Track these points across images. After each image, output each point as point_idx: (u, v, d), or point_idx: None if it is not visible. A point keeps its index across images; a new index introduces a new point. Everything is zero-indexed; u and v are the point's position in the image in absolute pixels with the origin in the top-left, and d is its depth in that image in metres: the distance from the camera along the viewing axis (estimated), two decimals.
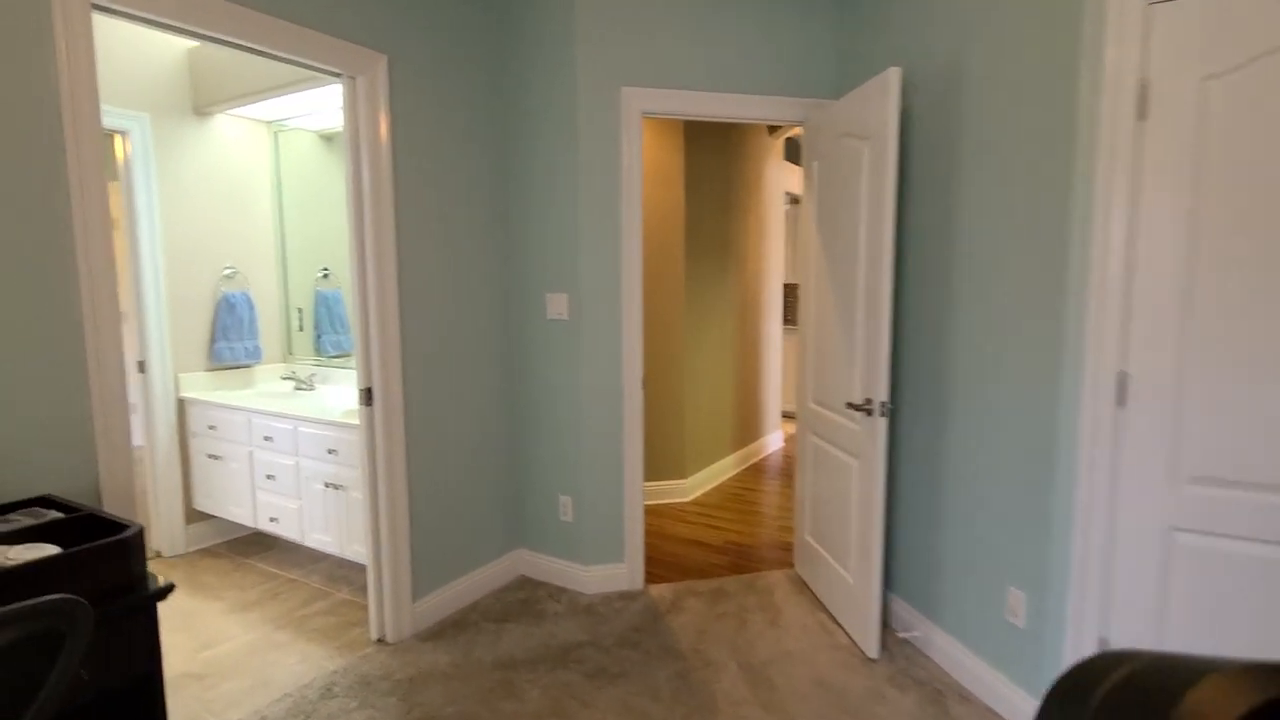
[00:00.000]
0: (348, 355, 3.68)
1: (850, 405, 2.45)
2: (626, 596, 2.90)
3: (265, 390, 3.57)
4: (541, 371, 2.94)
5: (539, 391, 2.96)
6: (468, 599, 2.84)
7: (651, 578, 3.09)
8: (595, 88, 2.73)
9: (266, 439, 3.05)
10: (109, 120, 3.07)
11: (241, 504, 3.23)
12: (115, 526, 1.38)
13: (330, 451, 2.82)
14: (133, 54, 3.14)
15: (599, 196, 2.77)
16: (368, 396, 2.44)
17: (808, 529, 2.97)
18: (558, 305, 2.87)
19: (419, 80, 2.54)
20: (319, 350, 3.73)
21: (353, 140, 2.37)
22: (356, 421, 2.72)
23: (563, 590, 2.96)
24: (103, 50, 3.03)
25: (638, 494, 2.94)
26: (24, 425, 1.57)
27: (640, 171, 2.80)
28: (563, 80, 2.75)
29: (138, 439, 3.03)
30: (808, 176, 2.89)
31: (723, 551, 3.43)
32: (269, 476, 3.08)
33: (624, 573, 2.96)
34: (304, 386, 3.57)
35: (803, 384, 3.02)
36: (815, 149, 2.81)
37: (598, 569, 2.94)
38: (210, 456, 3.32)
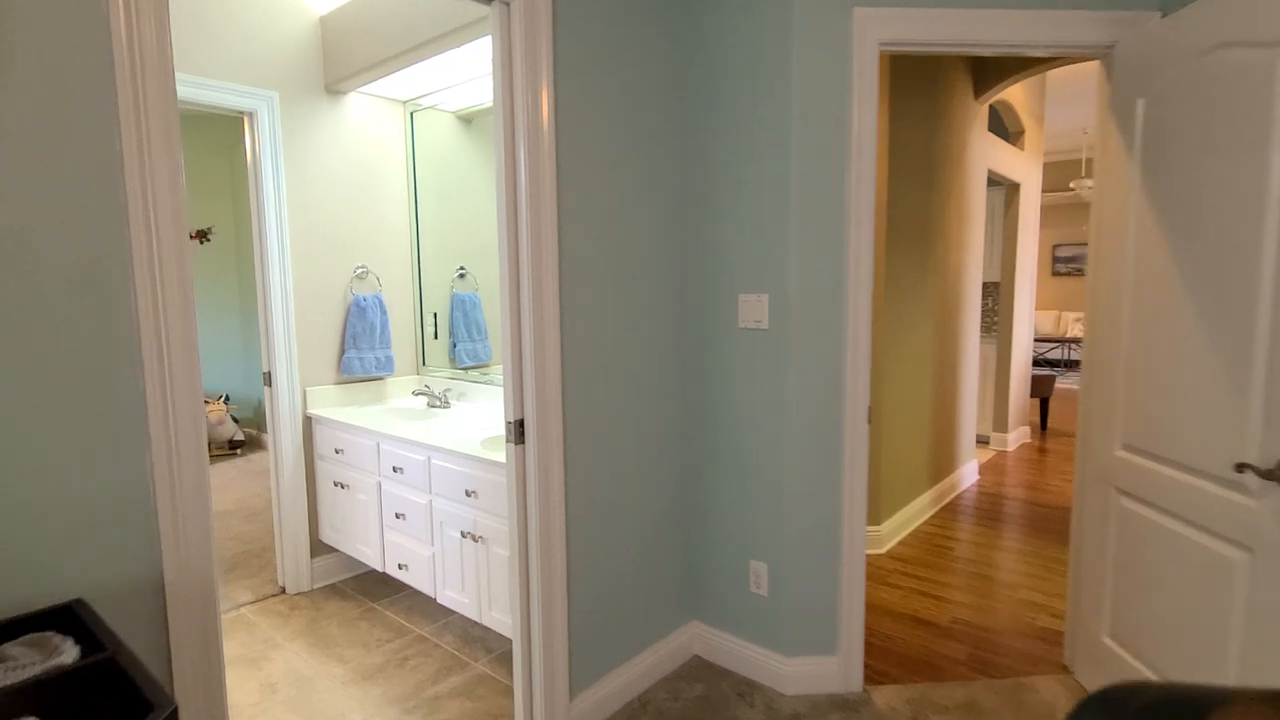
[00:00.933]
0: (485, 366, 3.18)
1: (1243, 467, 1.57)
2: (842, 705, 2.15)
3: (397, 407, 3.12)
4: (728, 396, 2.25)
5: (725, 422, 2.27)
6: (635, 690, 2.19)
7: (871, 674, 2.32)
8: (816, 8, 2.00)
9: (396, 470, 2.56)
10: (233, 100, 2.70)
11: (369, 543, 2.77)
12: (134, 694, 0.82)
13: (469, 494, 2.27)
14: (260, 23, 2.77)
15: (818, 166, 2.04)
16: (518, 431, 1.85)
17: (1107, 629, 2.08)
18: (754, 310, 2.17)
19: (586, 22, 1.92)
20: (454, 360, 3.26)
21: (504, 94, 1.78)
22: (500, 458, 2.15)
23: (753, 686, 2.25)
24: (227, 20, 2.67)
25: (859, 564, 2.18)
26: (53, 493, 1.07)
27: (875, 129, 2.04)
28: (770, 11, 2.04)
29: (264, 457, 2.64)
30: (1122, 127, 2.01)
31: (954, 636, 2.59)
32: (398, 515, 2.59)
33: (836, 670, 2.20)
34: (438, 403, 3.09)
35: (1092, 418, 2.14)
36: (1145, 83, 1.92)
37: (801, 662, 2.20)
38: (337, 485, 2.90)
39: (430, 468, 2.42)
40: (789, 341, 2.11)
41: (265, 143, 2.81)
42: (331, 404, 3.08)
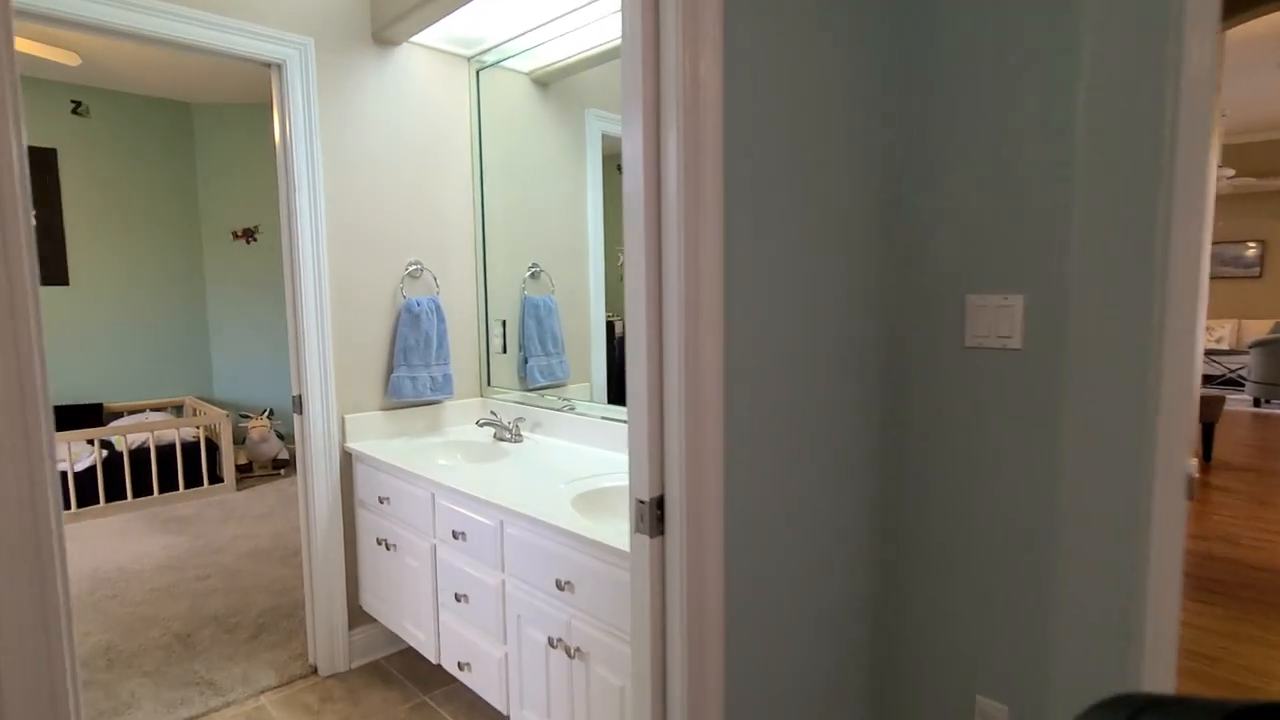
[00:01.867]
0: (561, 385, 2.50)
1: None
2: None
3: (457, 440, 2.47)
4: (943, 454, 1.50)
5: (938, 493, 1.52)
6: None
7: None
8: None
9: (457, 535, 1.90)
10: (254, 46, 2.10)
11: (420, 624, 2.11)
12: None
13: (561, 586, 1.57)
14: None
15: (1126, 83, 1.27)
16: (654, 517, 1.14)
17: None
18: (995, 319, 1.41)
19: None
20: (525, 379, 2.59)
21: (643, 41, 1.08)
22: (607, 537, 1.45)
23: None
24: None
25: None
26: None
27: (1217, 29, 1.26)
28: None
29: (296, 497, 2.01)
30: None
31: None
32: (459, 597, 1.92)
33: None
34: (508, 435, 2.43)
35: None
36: None
37: None
38: (381, 543, 2.26)
39: (503, 537, 1.74)
40: (1060, 368, 1.35)
41: (297, 104, 2.20)
42: (376, 435, 2.45)
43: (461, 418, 2.69)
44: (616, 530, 1.50)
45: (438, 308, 2.54)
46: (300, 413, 2.34)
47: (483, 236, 2.71)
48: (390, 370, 2.49)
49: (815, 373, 1.39)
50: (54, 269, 4.70)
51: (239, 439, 5.23)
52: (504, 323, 2.68)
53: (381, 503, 2.23)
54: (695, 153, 1.09)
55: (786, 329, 1.31)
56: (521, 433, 2.51)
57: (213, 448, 4.65)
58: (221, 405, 5.36)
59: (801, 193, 1.32)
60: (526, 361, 2.61)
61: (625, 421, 2.21)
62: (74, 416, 4.68)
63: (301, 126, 2.21)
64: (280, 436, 5.07)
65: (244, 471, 4.97)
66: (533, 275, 2.59)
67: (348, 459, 2.40)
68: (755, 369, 1.25)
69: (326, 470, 2.35)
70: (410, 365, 2.49)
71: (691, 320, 1.10)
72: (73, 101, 4.74)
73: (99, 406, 4.80)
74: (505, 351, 2.69)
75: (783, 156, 1.28)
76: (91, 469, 4.09)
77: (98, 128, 4.84)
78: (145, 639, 2.62)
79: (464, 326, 2.70)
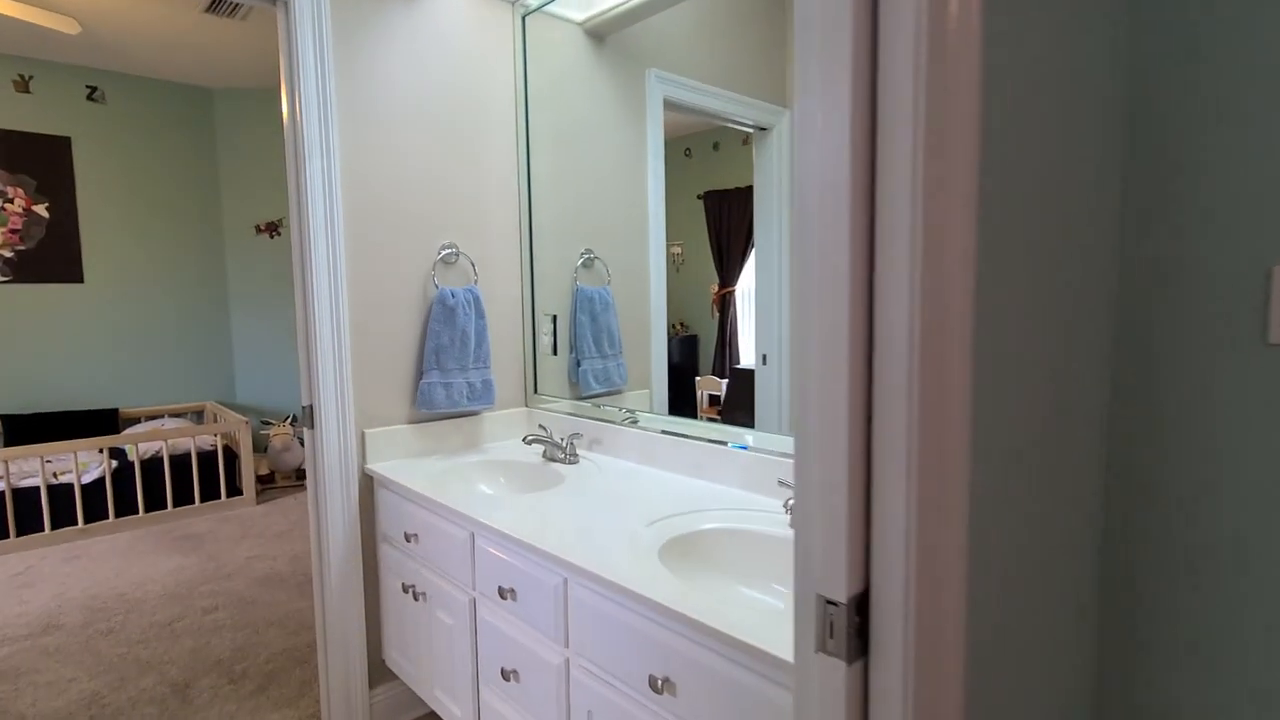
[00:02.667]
0: (619, 392, 2.06)
1: None
2: None
3: (501, 460, 2.05)
4: (1238, 498, 1.02)
5: (1233, 554, 1.04)
6: None
7: None
8: None
9: (505, 593, 1.46)
10: None
11: (456, 697, 1.68)
12: None
13: (657, 686, 1.12)
14: None
15: None
16: (852, 628, 0.69)
17: None
18: None
19: None
20: (577, 385, 2.16)
21: None
22: (737, 633, 1.00)
23: None
24: None
25: None
26: None
27: None
28: None
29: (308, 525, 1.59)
30: None
31: None
32: (507, 674, 1.48)
33: None
34: (561, 455, 1.99)
35: None
36: None
37: None
38: (407, 590, 1.84)
39: (568, 601, 1.30)
40: None
41: (306, 51, 1.79)
42: (403, 454, 2.03)
43: (504, 432, 2.26)
44: (732, 599, 1.04)
45: (476, 300, 2.12)
46: (312, 426, 1.93)
47: (529, 215, 2.29)
48: (419, 375, 2.07)
49: (1060, 391, 0.91)
50: (67, 265, 4.41)
51: (260, 447, 4.89)
52: (554, 318, 2.25)
53: (409, 540, 1.81)
54: (942, 120, 0.63)
55: (1038, 339, 0.84)
56: (577, 451, 2.08)
57: (231, 457, 4.31)
58: (244, 410, 5.03)
59: (1053, 163, 0.85)
60: (579, 364, 2.17)
61: (693, 438, 1.78)
62: (87, 423, 4.38)
63: (312, 79, 1.80)
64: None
65: (265, 482, 4.62)
66: (585, 263, 2.16)
67: (368, 483, 1.99)
68: (995, 396, 0.79)
69: (343, 497, 1.94)
70: (444, 369, 2.07)
71: (935, 332, 0.63)
72: (88, 87, 4.44)
73: (114, 412, 4.50)
74: (556, 353, 2.26)
75: (1042, 117, 0.81)
76: (100, 481, 3.76)
77: (114, 114, 4.54)
78: (137, 689, 2.24)
79: (507, 322, 2.28)
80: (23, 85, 4.24)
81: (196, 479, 4.04)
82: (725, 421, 1.77)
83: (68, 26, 2.96)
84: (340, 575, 1.94)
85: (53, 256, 4.35)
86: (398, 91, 1.97)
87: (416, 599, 1.78)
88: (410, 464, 1.97)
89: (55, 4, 3.33)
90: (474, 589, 1.57)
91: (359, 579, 1.97)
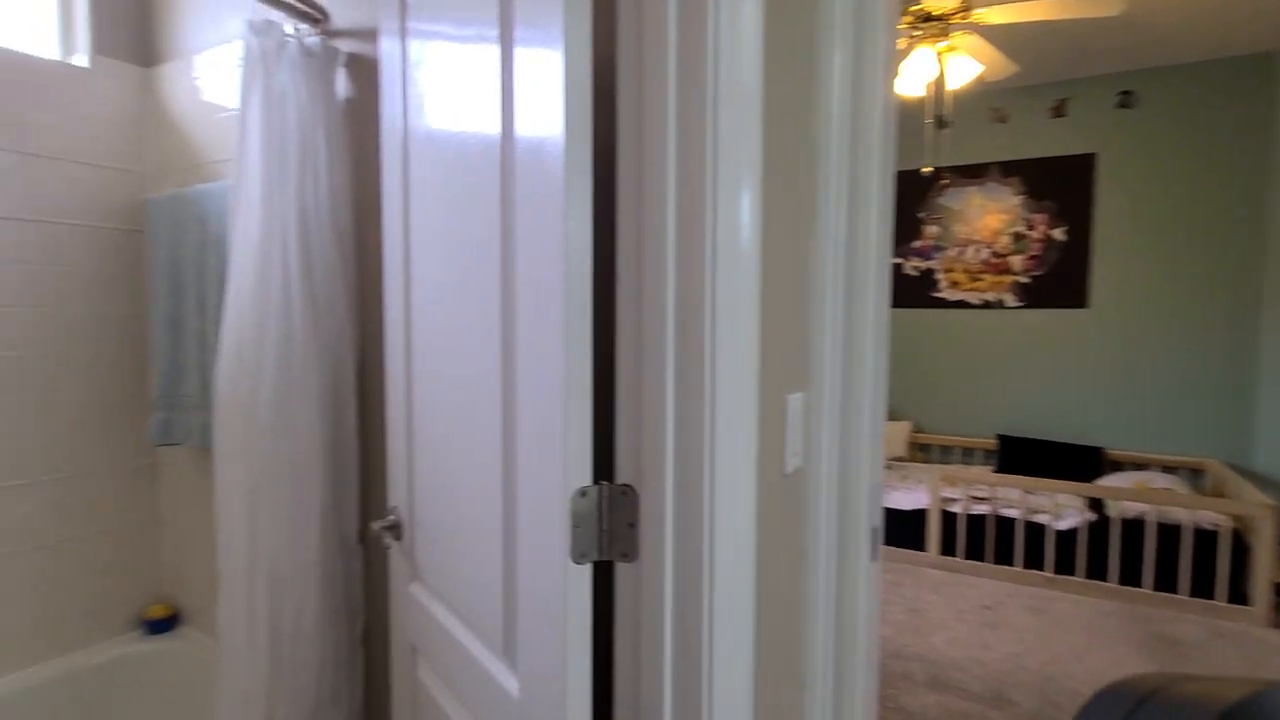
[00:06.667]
0: None
1: None
2: None
3: None
4: None
5: None
6: None
7: None
8: None
9: None
10: None
11: None
12: None
13: None
14: None
15: None
16: None
17: None
18: None
19: None
20: None
21: None
22: None
23: None
24: None
25: None
26: None
27: None
28: None
29: None
30: None
31: None
32: None
33: None
34: None
35: None
36: None
37: None
38: None
39: None
40: None
41: None
42: None
43: None
44: None
45: None
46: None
47: None
48: None
49: None
50: (1073, 290, 4.21)
51: None
52: None
53: None
54: None
55: None
56: None
57: (1241, 547, 3.19)
58: (1263, 482, 3.72)
59: None
60: None
61: None
62: (1068, 457, 4.11)
63: None
64: None
65: None
66: None
67: None
68: None
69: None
70: None
71: None
72: (1119, 94, 4.05)
73: (1097, 451, 4.07)
74: None
75: None
76: (1074, 531, 3.40)
77: (1145, 118, 4.00)
78: None
79: None
80: (1059, 109, 4.21)
81: (1188, 563, 3.16)
82: None
83: (1109, 8, 2.56)
84: None
85: (1061, 281, 4.24)
86: None
87: None
88: None
89: None
90: None
91: None
